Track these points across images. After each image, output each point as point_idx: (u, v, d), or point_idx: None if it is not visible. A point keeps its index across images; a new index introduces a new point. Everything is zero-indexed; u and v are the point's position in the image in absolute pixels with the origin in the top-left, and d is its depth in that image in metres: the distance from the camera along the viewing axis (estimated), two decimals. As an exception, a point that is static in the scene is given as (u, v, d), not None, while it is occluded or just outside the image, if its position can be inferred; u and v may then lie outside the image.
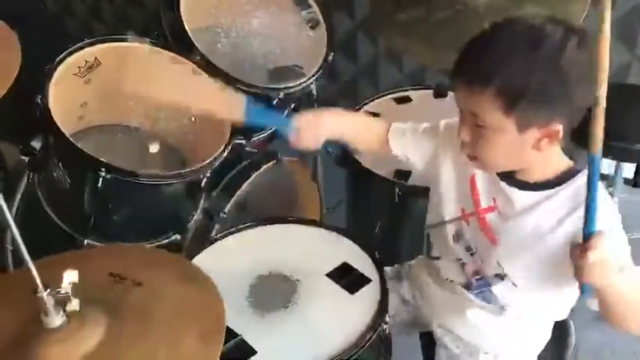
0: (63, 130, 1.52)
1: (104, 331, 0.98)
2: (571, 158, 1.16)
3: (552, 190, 1.13)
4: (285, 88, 1.92)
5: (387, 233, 1.92)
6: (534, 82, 1.00)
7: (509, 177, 1.17)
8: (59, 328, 0.95)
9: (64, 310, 0.96)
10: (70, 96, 1.68)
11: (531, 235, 1.15)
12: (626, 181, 2.24)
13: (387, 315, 1.30)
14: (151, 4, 3.24)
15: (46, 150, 1.66)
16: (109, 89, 1.77)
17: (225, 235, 1.53)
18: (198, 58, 1.79)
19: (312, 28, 2.04)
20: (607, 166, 2.10)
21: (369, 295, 1.34)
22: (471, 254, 1.25)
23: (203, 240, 1.62)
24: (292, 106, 2.08)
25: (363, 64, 2.89)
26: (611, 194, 2.01)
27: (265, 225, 1.55)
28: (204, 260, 1.44)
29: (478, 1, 1.72)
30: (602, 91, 0.94)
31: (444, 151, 1.28)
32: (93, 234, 1.67)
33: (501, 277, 1.22)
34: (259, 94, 1.88)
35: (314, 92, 2.10)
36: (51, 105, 1.53)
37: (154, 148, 1.85)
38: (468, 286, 1.29)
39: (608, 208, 1.07)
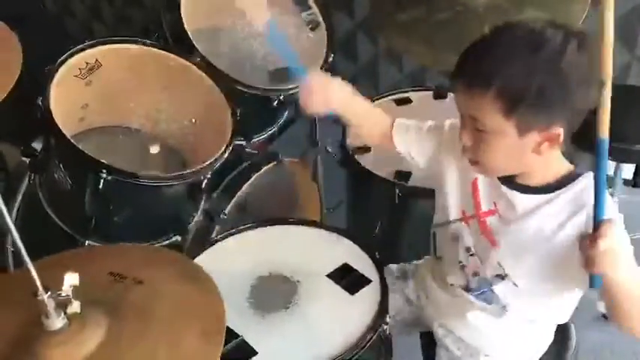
0: (64, 131, 1.52)
1: (105, 332, 0.98)
2: (571, 162, 1.16)
3: (553, 194, 1.14)
4: (285, 89, 1.92)
5: (387, 234, 1.92)
6: (534, 85, 1.00)
7: (510, 181, 1.17)
8: (60, 330, 0.95)
9: (65, 313, 0.96)
10: (71, 97, 1.68)
11: (532, 239, 1.15)
12: (626, 181, 2.25)
13: (388, 315, 1.31)
14: (151, 5, 3.24)
15: (47, 151, 1.66)
16: (109, 91, 1.78)
17: (226, 237, 1.53)
18: (199, 59, 1.80)
19: (312, 29, 2.04)
20: (606, 167, 2.10)
21: (369, 295, 1.35)
22: (470, 255, 1.25)
23: (203, 241, 1.62)
24: (293, 106, 2.09)
25: (362, 64, 2.89)
26: (611, 195, 2.01)
27: (266, 226, 1.56)
28: (204, 261, 1.44)
29: (478, 2, 1.72)
30: (608, 70, 0.93)
31: (448, 151, 1.28)
32: (94, 235, 1.67)
33: (502, 277, 1.22)
34: (259, 95, 1.88)
35: (314, 93, 2.10)
36: (52, 106, 1.53)
37: (154, 149, 1.85)
38: (468, 288, 1.29)
39: (611, 205, 1.07)
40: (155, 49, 1.78)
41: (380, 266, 1.41)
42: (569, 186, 1.13)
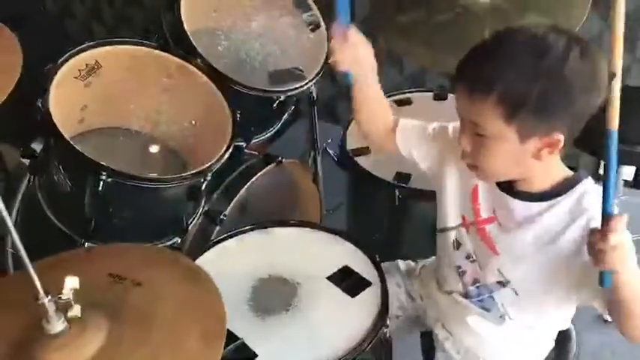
0: (63, 133, 1.51)
1: (105, 335, 0.98)
2: (572, 168, 1.16)
3: (553, 201, 1.13)
4: (285, 90, 1.92)
5: (387, 236, 1.92)
6: (536, 90, 1.00)
7: (509, 189, 1.17)
8: (60, 333, 0.95)
9: (65, 316, 0.95)
10: (70, 99, 1.68)
11: (532, 246, 1.15)
12: (626, 183, 2.25)
13: (388, 318, 1.30)
14: (150, 6, 3.24)
15: (46, 153, 1.66)
16: (109, 92, 1.77)
17: (226, 238, 1.53)
18: (199, 60, 1.79)
19: (312, 30, 2.03)
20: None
21: (369, 298, 1.34)
22: (471, 261, 1.25)
23: (203, 243, 1.61)
24: (292, 108, 2.09)
25: (363, 65, 2.88)
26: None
27: (265, 228, 1.55)
28: (204, 263, 1.43)
29: (478, 4, 1.72)
30: (618, 62, 0.94)
31: (450, 156, 1.27)
32: (93, 237, 1.67)
33: (503, 284, 1.22)
34: (259, 96, 1.88)
35: (314, 95, 2.10)
36: (51, 108, 1.52)
37: (154, 151, 1.85)
38: (466, 295, 1.29)
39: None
40: (155, 51, 1.78)
41: (380, 269, 1.41)
42: (569, 192, 1.12)
